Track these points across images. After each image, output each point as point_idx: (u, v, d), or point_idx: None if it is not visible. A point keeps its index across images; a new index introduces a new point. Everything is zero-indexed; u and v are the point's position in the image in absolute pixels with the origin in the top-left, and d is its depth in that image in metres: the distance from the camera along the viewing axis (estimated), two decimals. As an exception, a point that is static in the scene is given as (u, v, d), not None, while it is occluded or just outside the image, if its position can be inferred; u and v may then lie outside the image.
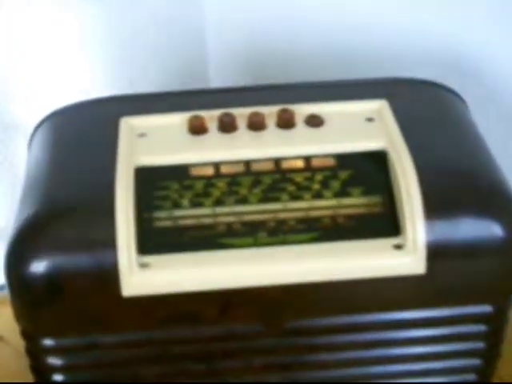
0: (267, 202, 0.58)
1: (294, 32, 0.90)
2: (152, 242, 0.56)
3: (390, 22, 0.86)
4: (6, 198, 0.86)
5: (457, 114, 0.66)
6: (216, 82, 0.99)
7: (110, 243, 0.55)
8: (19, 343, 0.60)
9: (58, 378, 0.60)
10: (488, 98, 0.85)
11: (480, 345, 0.62)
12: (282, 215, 0.57)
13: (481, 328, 0.61)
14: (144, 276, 0.55)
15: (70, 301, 0.56)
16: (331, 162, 0.60)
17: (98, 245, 0.55)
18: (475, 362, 0.63)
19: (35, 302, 0.56)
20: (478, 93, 0.82)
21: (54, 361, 0.60)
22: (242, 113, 0.62)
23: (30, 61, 0.81)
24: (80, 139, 0.62)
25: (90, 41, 0.85)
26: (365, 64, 0.90)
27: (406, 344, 0.62)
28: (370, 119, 0.62)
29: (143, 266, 0.55)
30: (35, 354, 0.60)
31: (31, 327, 0.58)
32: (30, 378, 0.62)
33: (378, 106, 0.63)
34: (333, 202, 0.58)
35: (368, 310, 0.59)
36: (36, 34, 0.81)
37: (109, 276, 0.55)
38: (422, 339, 0.61)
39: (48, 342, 0.59)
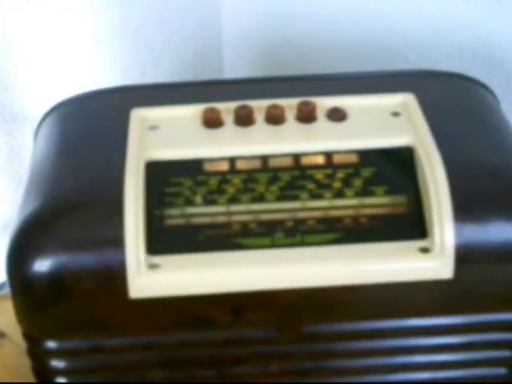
0: (285, 200, 0.56)
1: (313, 21, 0.90)
2: (162, 241, 0.55)
3: (414, 11, 0.86)
4: (12, 190, 0.84)
5: (487, 108, 0.64)
6: (231, 71, 0.98)
7: (118, 242, 0.53)
8: (23, 341, 0.59)
9: (61, 380, 0.59)
10: None
11: (507, 353, 0.60)
12: (301, 214, 0.56)
13: (509, 336, 0.59)
14: (153, 277, 0.54)
15: (74, 302, 0.54)
16: (354, 158, 0.58)
17: (105, 243, 0.53)
18: (501, 371, 0.62)
19: (38, 302, 0.54)
20: (507, 86, 0.82)
21: (57, 363, 0.58)
22: (259, 105, 0.60)
23: (41, 50, 0.81)
24: (88, 131, 0.61)
25: (102, 28, 0.85)
26: (387, 56, 0.89)
27: (430, 351, 0.60)
28: (395, 113, 0.61)
29: (152, 266, 0.54)
30: (38, 356, 0.58)
31: (34, 329, 0.57)
32: (33, 377, 0.61)
33: (404, 100, 0.61)
34: (355, 201, 0.56)
35: (391, 315, 0.57)
36: (47, 23, 0.80)
37: (116, 277, 0.53)
38: (446, 347, 0.60)
39: (51, 344, 0.57)
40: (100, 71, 0.86)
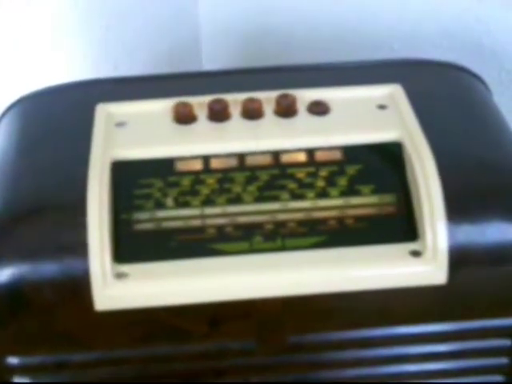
0: (264, 201, 0.55)
1: (295, 10, 0.88)
2: (130, 247, 0.53)
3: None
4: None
5: (480, 99, 0.62)
6: (209, 64, 0.97)
7: (81, 249, 0.51)
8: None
9: (25, 398, 0.56)
10: (510, 81, 0.82)
11: (503, 361, 0.58)
12: (281, 217, 0.54)
13: (505, 343, 0.58)
14: (120, 288, 0.52)
15: (35, 315, 0.52)
16: (338, 155, 0.56)
17: (68, 251, 0.51)
18: (498, 378, 0.60)
19: (-4, 316, 0.52)
20: (498, 77, 0.81)
21: (20, 380, 0.55)
22: (235, 99, 0.58)
23: (1, 42, 0.77)
24: (49, 129, 0.58)
25: (69, 20, 0.82)
26: (371, 46, 0.88)
27: (422, 360, 0.58)
28: (382, 106, 0.59)
29: (119, 275, 0.52)
30: (-1, 373, 0.56)
31: (-7, 344, 0.55)
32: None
33: (390, 92, 0.60)
34: (339, 201, 0.55)
35: (380, 324, 0.55)
36: (8, 12, 0.77)
37: (80, 287, 0.51)
38: (439, 355, 0.58)
39: (13, 360, 0.54)
40: (67, 66, 0.83)
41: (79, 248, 0.51)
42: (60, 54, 0.81)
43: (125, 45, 0.89)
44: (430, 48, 0.85)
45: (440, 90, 0.62)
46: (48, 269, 0.51)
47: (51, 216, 0.52)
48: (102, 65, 0.87)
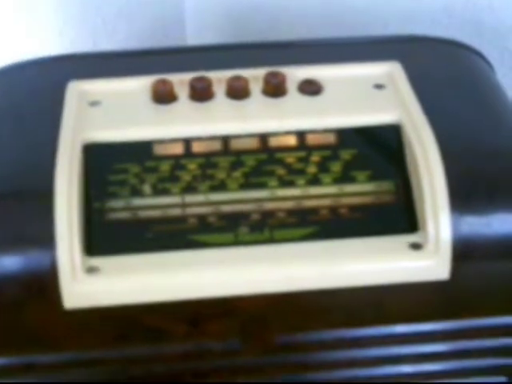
0: (250, 188, 0.53)
1: None
2: (103, 239, 0.51)
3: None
4: None
5: (484, 79, 0.62)
6: (194, 43, 0.95)
7: (47, 241, 0.49)
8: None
9: (-9, 402, 0.56)
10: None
11: (509, 360, 0.57)
12: (269, 205, 0.53)
13: (511, 341, 0.56)
14: (91, 283, 0.50)
15: None
16: (331, 138, 0.55)
17: (32, 243, 0.50)
18: (501, 379, 0.58)
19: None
20: (500, 57, 0.79)
21: None
22: (219, 77, 0.57)
23: None
24: (15, 108, 0.57)
25: None
26: (365, 23, 0.87)
27: (420, 361, 0.57)
28: (379, 86, 0.58)
29: (91, 270, 0.50)
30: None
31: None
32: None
33: (388, 70, 0.58)
34: (333, 189, 0.53)
35: (376, 322, 0.54)
36: None
37: (46, 283, 0.49)
38: (440, 355, 0.56)
39: None
40: (41, 43, 0.81)
41: (45, 239, 0.49)
42: (33, 30, 0.79)
43: (104, 20, 0.88)
44: (427, 25, 0.84)
45: (442, 68, 0.61)
46: (11, 263, 0.50)
47: (14, 204, 0.51)
48: (80, 41, 0.85)
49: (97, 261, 0.50)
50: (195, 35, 0.95)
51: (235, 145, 0.54)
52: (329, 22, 0.86)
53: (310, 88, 0.57)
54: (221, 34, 0.92)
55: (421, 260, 0.51)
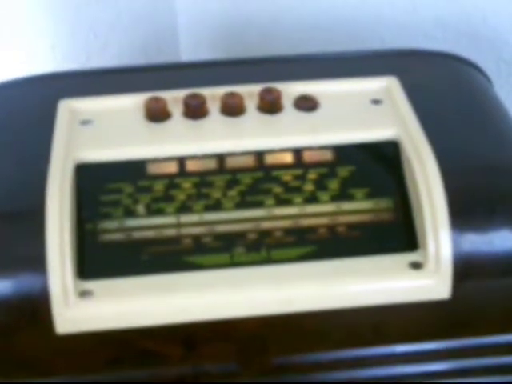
0: (246, 207, 0.52)
1: None
2: (96, 261, 0.50)
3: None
4: None
5: (481, 91, 0.61)
6: (187, 58, 0.96)
7: (39, 264, 0.48)
8: None
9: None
10: (509, 73, 0.81)
11: (511, 379, 0.56)
12: (266, 225, 0.52)
13: None
14: (84, 307, 0.49)
15: None
16: (328, 155, 0.54)
17: (23, 266, 0.49)
18: None
19: None
20: (497, 70, 0.80)
21: None
22: (213, 93, 0.57)
23: None
24: (6, 127, 0.56)
25: (37, 6, 0.79)
26: (360, 37, 0.87)
27: (423, 380, 0.56)
28: (376, 101, 0.57)
29: (83, 294, 0.49)
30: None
31: None
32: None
33: (385, 85, 0.58)
34: (330, 207, 0.53)
35: (376, 343, 0.53)
36: None
37: (38, 307, 0.48)
38: (442, 375, 0.56)
39: None
40: (31, 58, 0.80)
41: (37, 262, 0.48)
42: (25, 44, 0.79)
43: (97, 34, 0.87)
44: (422, 38, 0.84)
45: (439, 82, 0.60)
46: (1, 287, 0.48)
47: (5, 226, 0.50)
48: (72, 56, 0.84)
49: (90, 284, 0.49)
50: (189, 50, 0.95)
51: (230, 163, 0.53)
52: (323, 37, 0.86)
53: (306, 104, 0.56)
54: (214, 49, 0.93)
55: (421, 279, 0.50)
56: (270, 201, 0.52)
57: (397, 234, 0.52)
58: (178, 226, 0.51)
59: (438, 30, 0.83)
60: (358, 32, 0.86)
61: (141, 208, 0.52)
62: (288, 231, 0.51)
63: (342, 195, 0.53)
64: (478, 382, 0.57)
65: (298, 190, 0.53)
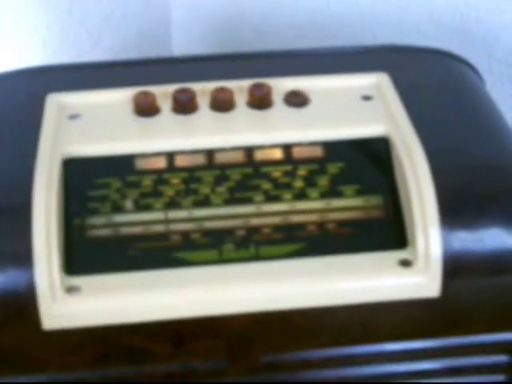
0: (235, 204, 0.52)
1: None
2: (83, 257, 0.50)
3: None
4: None
5: (472, 88, 0.61)
6: (180, 53, 0.95)
7: (25, 259, 0.48)
8: None
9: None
10: (500, 71, 0.81)
11: (499, 378, 0.57)
12: (255, 221, 0.52)
13: (502, 359, 0.56)
14: (71, 303, 0.48)
15: None
16: (318, 151, 0.54)
17: (9, 261, 0.48)
18: None
19: None
20: (488, 66, 0.80)
21: None
22: (203, 88, 0.56)
23: None
24: None
25: (29, 0, 0.78)
26: (352, 33, 0.87)
27: (410, 378, 0.56)
28: (366, 97, 0.57)
29: (71, 289, 0.49)
30: None
31: None
32: None
33: (376, 81, 0.58)
34: (320, 204, 0.52)
35: (365, 341, 0.53)
36: None
37: (24, 303, 0.48)
38: (431, 373, 0.56)
39: None
40: (23, 53, 0.80)
41: (23, 257, 0.48)
42: (16, 39, 0.78)
43: (88, 30, 0.87)
44: (414, 35, 0.83)
45: (430, 79, 0.60)
46: None
47: None
48: (63, 51, 0.84)
49: (77, 280, 0.49)
50: (181, 46, 0.95)
51: (219, 159, 0.53)
52: (315, 34, 0.86)
53: (296, 100, 0.56)
54: (207, 45, 0.92)
55: (410, 277, 0.50)
56: (259, 197, 0.52)
57: (386, 232, 0.51)
58: (167, 221, 0.51)
59: (430, 27, 0.83)
60: (351, 29, 0.86)
61: (129, 203, 0.51)
62: (277, 228, 0.51)
63: (332, 192, 0.52)
64: (467, 382, 0.56)
65: (287, 186, 0.52)
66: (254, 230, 0.51)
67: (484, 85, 0.63)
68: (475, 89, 0.60)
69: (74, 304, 0.48)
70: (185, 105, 0.55)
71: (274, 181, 0.52)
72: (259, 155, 0.53)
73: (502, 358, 0.55)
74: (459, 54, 0.64)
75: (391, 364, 0.54)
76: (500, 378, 0.57)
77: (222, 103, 0.55)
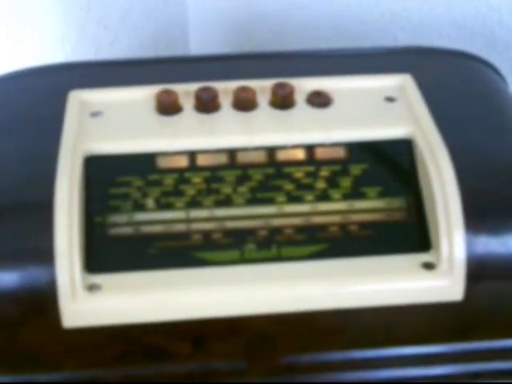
0: (257, 204, 0.52)
1: None
2: (104, 255, 0.49)
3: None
4: None
5: (497, 91, 0.60)
6: (197, 51, 0.95)
7: (47, 257, 0.47)
8: None
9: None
10: None
11: None
12: (277, 222, 0.51)
13: None
14: (92, 301, 0.48)
15: None
16: (340, 153, 0.53)
17: (31, 259, 0.48)
18: None
19: None
20: (510, 70, 0.77)
21: None
22: (226, 87, 0.56)
23: None
24: (14, 118, 0.55)
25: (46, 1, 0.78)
26: (373, 36, 0.87)
27: (434, 383, 0.55)
28: (390, 98, 0.56)
29: (91, 287, 0.48)
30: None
31: None
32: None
33: (399, 82, 0.57)
34: (342, 205, 0.52)
35: (387, 344, 0.52)
36: None
37: (45, 301, 0.48)
38: (454, 378, 0.55)
39: None
40: (43, 50, 0.79)
41: (45, 255, 0.47)
42: (35, 37, 0.77)
43: (107, 28, 0.86)
44: (436, 38, 0.83)
45: (454, 80, 0.59)
46: (8, 280, 0.48)
47: (12, 218, 0.49)
48: (81, 50, 0.83)
49: (98, 278, 0.48)
50: (198, 46, 0.95)
51: (242, 158, 0.52)
52: (336, 35, 0.85)
53: (319, 100, 0.55)
54: (224, 45, 0.92)
55: (434, 280, 0.49)
56: (281, 198, 0.51)
57: (409, 234, 0.51)
58: (188, 221, 0.50)
59: (452, 29, 0.82)
60: (371, 31, 0.85)
61: (150, 202, 0.51)
62: (299, 229, 0.51)
63: (355, 193, 0.52)
64: None
65: (309, 187, 0.52)
66: (275, 231, 0.51)
67: (507, 87, 0.62)
68: (498, 91, 0.60)
69: (94, 302, 0.48)
70: (207, 104, 0.54)
71: (296, 181, 0.52)
72: (281, 155, 0.53)
73: (521, 363, 0.55)
74: (481, 56, 0.63)
75: (411, 368, 0.53)
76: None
77: (245, 102, 0.54)
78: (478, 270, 0.50)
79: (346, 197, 0.52)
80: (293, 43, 0.89)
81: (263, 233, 0.50)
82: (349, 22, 0.86)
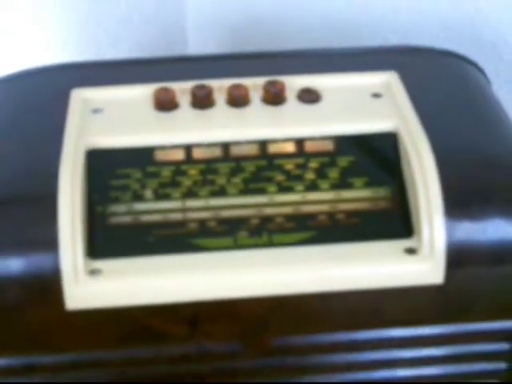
0: (250, 194, 0.53)
1: None
2: (105, 242, 0.51)
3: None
4: None
5: (478, 89, 0.61)
6: (195, 52, 0.95)
7: (51, 244, 0.49)
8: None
9: (-6, 404, 0.55)
10: (509, 74, 0.81)
11: (501, 365, 0.57)
12: (268, 211, 0.52)
13: (503, 347, 0.56)
14: (93, 285, 0.49)
15: (0, 315, 0.50)
16: (329, 145, 0.54)
17: (36, 245, 0.49)
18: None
19: (-43, 315, 0.50)
20: (496, 70, 0.79)
21: None
22: (220, 85, 0.57)
23: None
24: (19, 114, 0.56)
25: (48, 2, 0.79)
26: (364, 36, 0.87)
27: (415, 365, 0.56)
28: (376, 94, 0.57)
29: (93, 272, 0.50)
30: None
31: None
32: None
33: (386, 79, 0.58)
34: (330, 194, 0.53)
35: (372, 326, 0.54)
36: None
37: (49, 285, 0.49)
38: (434, 359, 0.56)
39: None
40: (44, 52, 0.80)
41: (49, 242, 0.49)
42: (36, 39, 0.79)
43: (106, 30, 0.87)
44: (425, 39, 0.83)
45: (438, 78, 0.60)
46: (14, 265, 0.49)
47: (18, 207, 0.50)
48: (82, 51, 0.84)
49: (99, 263, 0.49)
50: (197, 49, 0.94)
51: (235, 151, 0.54)
52: (328, 36, 0.85)
53: (309, 96, 0.56)
54: (223, 48, 0.92)
55: (415, 264, 0.50)
56: (272, 188, 0.53)
57: (393, 222, 0.52)
58: (184, 210, 0.51)
59: (441, 31, 0.82)
60: (362, 33, 0.85)
61: (148, 193, 0.52)
62: (289, 217, 0.52)
63: (342, 184, 0.53)
64: (467, 369, 0.56)
65: (299, 178, 0.53)
66: (267, 219, 0.52)
67: (490, 85, 0.64)
68: (481, 87, 0.61)
69: (95, 286, 0.49)
70: (202, 100, 0.55)
71: (286, 173, 0.53)
72: (273, 148, 0.54)
73: (503, 346, 0.56)
74: (466, 56, 0.64)
75: (398, 349, 0.55)
76: (501, 365, 0.57)
77: (238, 99, 0.55)
78: (458, 255, 0.51)
79: (334, 187, 0.53)
80: (289, 45, 0.88)
81: (255, 221, 0.51)
82: (341, 24, 0.86)
